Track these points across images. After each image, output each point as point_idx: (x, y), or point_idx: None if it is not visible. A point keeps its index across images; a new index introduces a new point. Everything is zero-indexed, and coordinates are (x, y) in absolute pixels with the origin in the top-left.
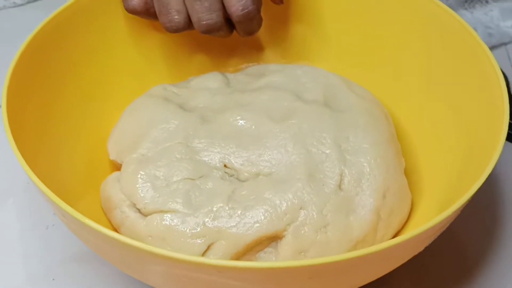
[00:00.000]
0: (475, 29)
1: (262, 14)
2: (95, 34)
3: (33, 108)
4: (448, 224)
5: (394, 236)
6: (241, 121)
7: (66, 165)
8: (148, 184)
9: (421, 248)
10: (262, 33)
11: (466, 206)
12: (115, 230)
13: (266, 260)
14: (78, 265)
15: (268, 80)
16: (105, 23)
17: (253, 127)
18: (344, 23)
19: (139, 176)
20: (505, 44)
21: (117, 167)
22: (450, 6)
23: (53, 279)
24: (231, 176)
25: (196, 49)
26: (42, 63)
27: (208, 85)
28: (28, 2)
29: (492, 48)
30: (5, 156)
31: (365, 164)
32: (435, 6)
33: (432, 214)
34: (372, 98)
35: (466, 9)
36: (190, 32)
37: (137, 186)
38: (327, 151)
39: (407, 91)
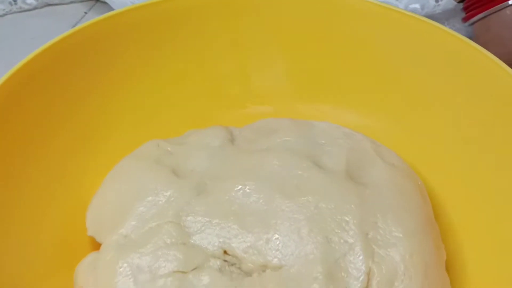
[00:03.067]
0: None
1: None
2: (76, 79)
3: None
4: None
5: None
6: (246, 193)
7: (35, 239)
8: (130, 279)
9: None
10: (277, 73)
11: None
12: None
13: None
14: None
15: (280, 139)
16: (89, 68)
17: (260, 201)
18: (370, 71)
19: (119, 268)
20: None
21: (96, 244)
22: None
23: None
24: (232, 265)
25: (199, 94)
26: (12, 110)
27: (208, 143)
28: (35, 8)
29: None
30: None
31: (398, 260)
32: (478, 53)
33: None
34: (404, 166)
35: None
36: (193, 77)
37: (116, 281)
38: (350, 241)
39: (445, 156)
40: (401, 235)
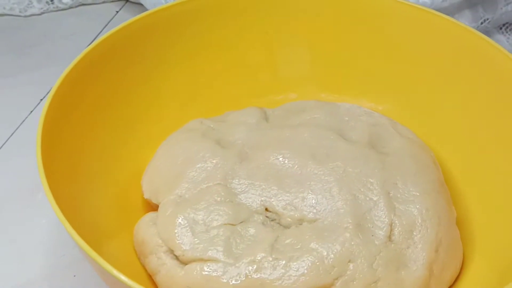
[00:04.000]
0: None
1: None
2: (132, 67)
3: (67, 140)
4: None
5: None
6: (282, 160)
7: (98, 202)
8: (187, 229)
9: None
10: (301, 66)
11: None
12: (149, 276)
13: None
14: None
15: (309, 116)
16: (141, 57)
17: (295, 167)
18: (386, 60)
19: (177, 220)
20: None
21: (151, 206)
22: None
23: (74, 276)
24: (272, 220)
25: (232, 81)
26: (78, 96)
27: (245, 120)
28: (70, 7)
29: None
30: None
31: (416, 214)
32: (484, 42)
33: (485, 271)
34: (418, 140)
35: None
36: (225, 66)
37: (176, 231)
38: (375, 198)
39: (453, 131)
40: (418, 194)
